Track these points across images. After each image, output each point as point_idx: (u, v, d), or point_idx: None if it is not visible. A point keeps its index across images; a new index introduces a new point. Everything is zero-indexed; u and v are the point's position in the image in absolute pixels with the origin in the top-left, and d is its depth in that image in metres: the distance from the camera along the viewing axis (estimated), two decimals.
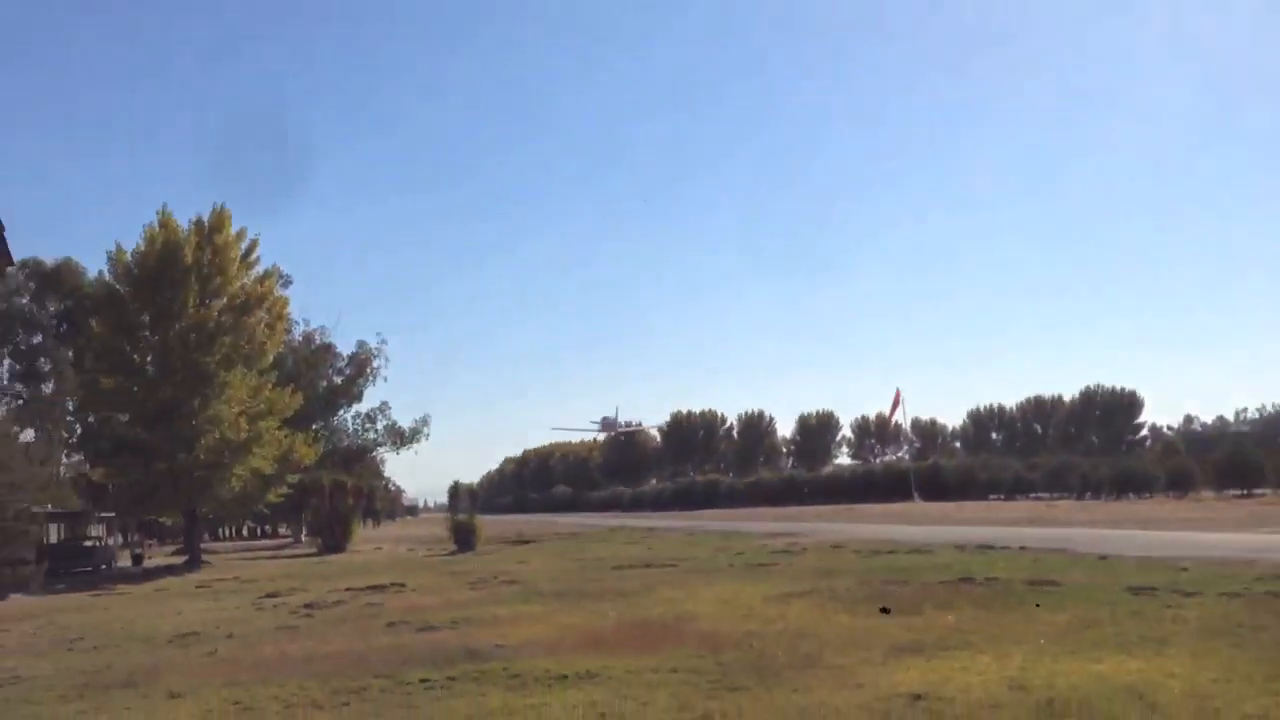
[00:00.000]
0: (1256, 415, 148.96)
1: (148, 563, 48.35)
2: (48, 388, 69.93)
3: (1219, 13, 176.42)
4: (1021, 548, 28.32)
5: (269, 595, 25.76)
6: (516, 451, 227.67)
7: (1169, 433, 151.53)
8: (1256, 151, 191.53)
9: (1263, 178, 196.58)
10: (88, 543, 46.67)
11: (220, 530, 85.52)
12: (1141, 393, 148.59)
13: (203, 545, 52.64)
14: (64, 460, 67.21)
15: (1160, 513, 51.82)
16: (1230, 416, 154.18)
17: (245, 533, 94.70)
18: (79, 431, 67.04)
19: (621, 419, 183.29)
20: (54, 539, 46.90)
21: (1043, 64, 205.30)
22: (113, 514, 53.27)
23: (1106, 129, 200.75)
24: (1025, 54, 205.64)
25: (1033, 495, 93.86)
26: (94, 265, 64.25)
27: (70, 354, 63.27)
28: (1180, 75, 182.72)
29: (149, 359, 46.39)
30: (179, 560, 48.43)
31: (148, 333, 46.27)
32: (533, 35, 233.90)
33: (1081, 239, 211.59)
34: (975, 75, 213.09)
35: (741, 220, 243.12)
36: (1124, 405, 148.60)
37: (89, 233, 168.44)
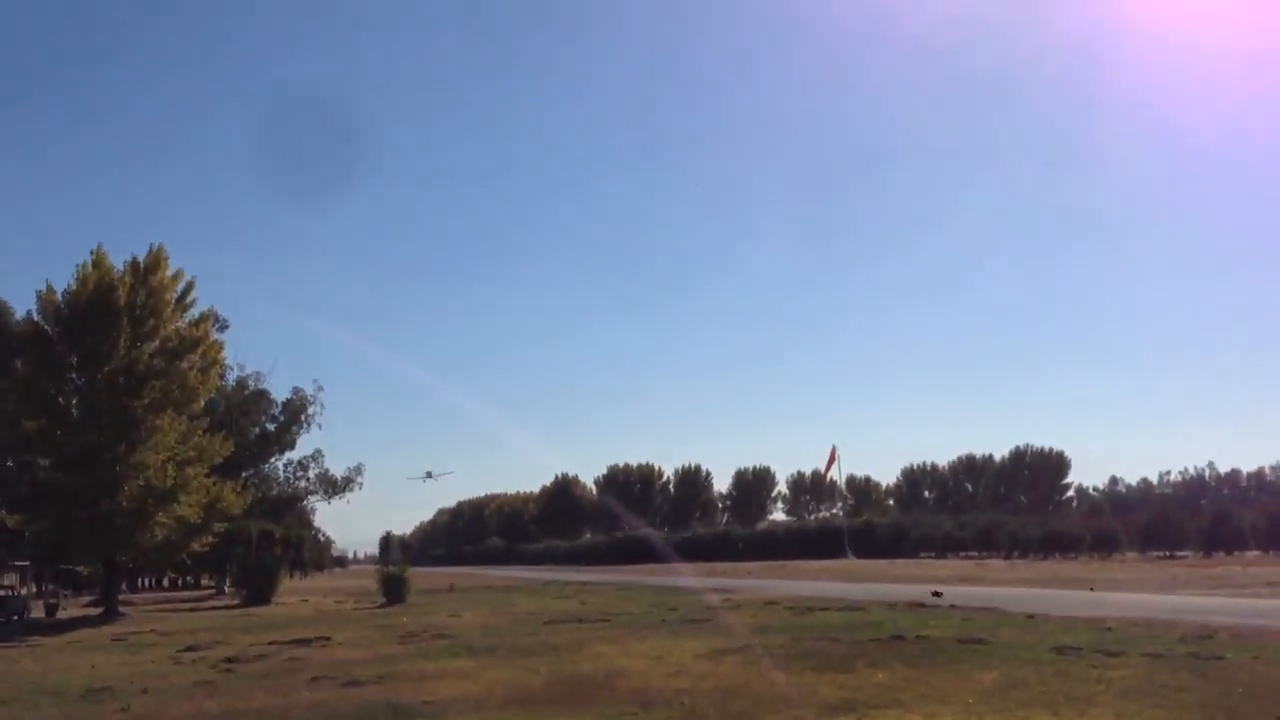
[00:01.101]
0: (1180, 478, 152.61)
1: (63, 614, 46.80)
2: None
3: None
4: (952, 606, 28.55)
5: (188, 649, 25.07)
6: (451, 502, 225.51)
7: (1095, 494, 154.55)
8: (1186, 217, 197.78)
9: (1194, 243, 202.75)
10: (0, 592, 45.15)
11: (140, 580, 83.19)
12: (1069, 453, 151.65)
13: (121, 596, 51.13)
14: None
15: (1086, 573, 52.61)
16: (1154, 479, 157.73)
17: (166, 583, 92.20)
18: None
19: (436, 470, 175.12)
20: None
21: (1005, 119, 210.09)
22: (28, 563, 51.66)
23: (1049, 191, 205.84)
24: (992, 113, 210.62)
25: (963, 553, 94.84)
26: (22, 305, 62.78)
27: None
28: (1126, 138, 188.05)
29: (74, 402, 45.22)
30: (96, 611, 46.96)
31: (75, 375, 45.17)
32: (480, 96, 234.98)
33: (1012, 302, 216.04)
34: (942, 135, 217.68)
35: (677, 276, 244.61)
36: (1052, 465, 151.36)
37: (16, 273, 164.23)
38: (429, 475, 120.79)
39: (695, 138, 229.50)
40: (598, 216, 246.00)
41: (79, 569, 56.25)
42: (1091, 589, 37.11)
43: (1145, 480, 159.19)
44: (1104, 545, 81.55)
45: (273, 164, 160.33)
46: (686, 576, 65.87)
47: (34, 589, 54.04)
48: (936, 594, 33.11)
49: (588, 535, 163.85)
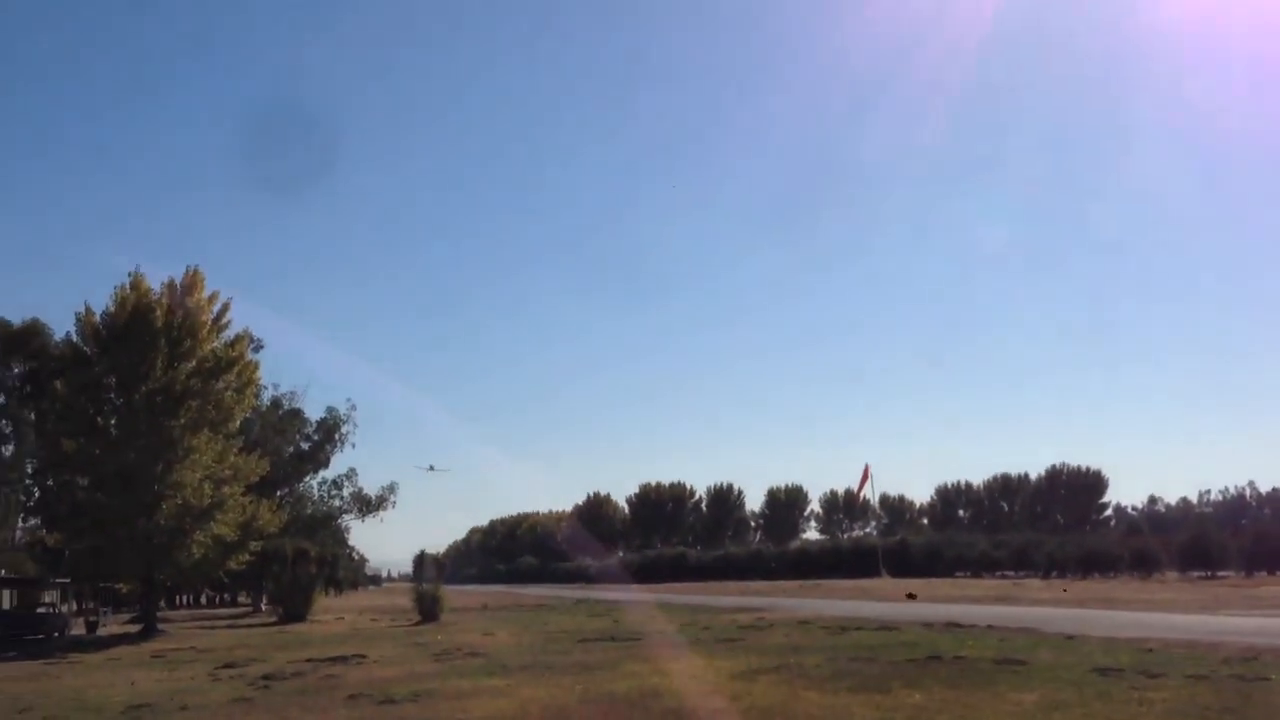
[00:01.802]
0: (1220, 497, 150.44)
1: (102, 631, 47.32)
2: (7, 450, 68.87)
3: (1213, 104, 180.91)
4: (989, 626, 28.27)
5: (226, 665, 25.26)
6: (484, 521, 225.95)
7: (1133, 513, 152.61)
8: (1227, 230, 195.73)
9: (1234, 258, 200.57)
10: (41, 610, 45.67)
11: (177, 598, 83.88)
12: (1106, 472, 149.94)
13: (160, 613, 51.60)
14: (20, 524, 66.08)
15: (1125, 593, 51.96)
16: (1194, 498, 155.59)
17: (203, 600, 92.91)
18: (37, 495, 65.95)
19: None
20: (6, 605, 45.95)
21: (1026, 140, 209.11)
22: (68, 580, 52.23)
23: (1083, 211, 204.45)
24: (1008, 132, 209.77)
25: (999, 573, 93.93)
26: (61, 326, 63.70)
27: (33, 416, 62.45)
28: (1169, 160, 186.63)
29: (113, 422, 45.77)
30: (134, 629, 47.40)
31: (113, 395, 45.78)
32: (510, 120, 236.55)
33: (1051, 318, 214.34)
34: (953, 155, 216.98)
35: (711, 296, 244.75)
36: (1089, 484, 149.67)
37: (55, 293, 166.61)
38: (431, 468, 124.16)
39: (713, 153, 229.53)
40: (625, 237, 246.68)
41: (118, 586, 56.83)
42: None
43: (1185, 500, 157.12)
44: (1143, 565, 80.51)
45: (262, 170, 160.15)
46: (719, 595, 65.62)
47: (74, 606, 54.68)
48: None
49: (620, 554, 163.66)
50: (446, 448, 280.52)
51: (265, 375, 60.74)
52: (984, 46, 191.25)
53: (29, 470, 67.08)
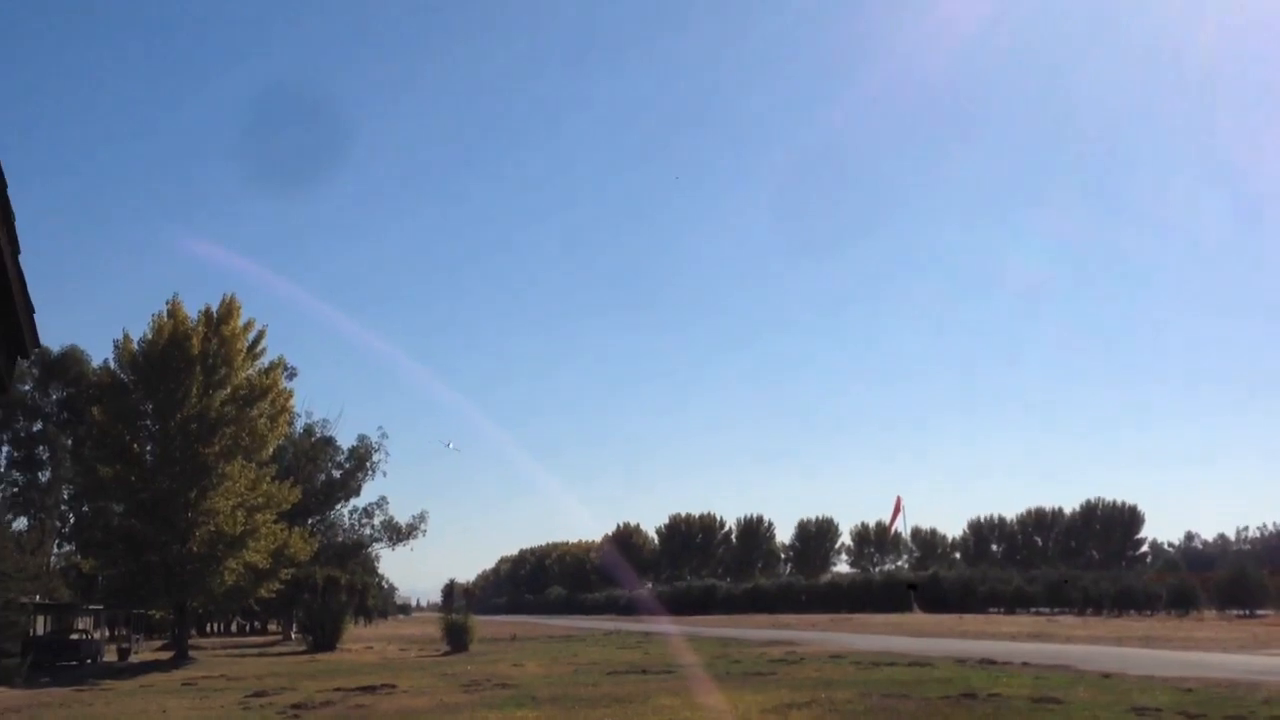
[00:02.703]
0: (1258, 534, 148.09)
1: (134, 658, 47.59)
2: (44, 476, 69.63)
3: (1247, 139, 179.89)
4: (1024, 664, 27.90)
5: (256, 694, 25.31)
6: (513, 551, 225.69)
7: (1170, 549, 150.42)
8: (1262, 268, 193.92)
9: (1272, 290, 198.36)
10: (74, 636, 45.99)
11: (208, 625, 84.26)
12: (1142, 508, 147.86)
13: (191, 641, 51.83)
14: (55, 550, 66.61)
15: (1162, 631, 51.13)
16: (1231, 535, 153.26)
17: (234, 628, 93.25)
18: (72, 521, 66.55)
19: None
20: (40, 631, 46.31)
21: (1061, 170, 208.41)
22: (101, 606, 52.59)
23: (1116, 243, 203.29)
24: (1048, 163, 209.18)
25: (1033, 609, 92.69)
26: (99, 353, 64.49)
27: (69, 442, 63.16)
28: (1200, 190, 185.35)
29: (149, 448, 46.23)
30: (166, 656, 47.64)
31: (149, 422, 46.24)
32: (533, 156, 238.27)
33: (1085, 350, 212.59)
34: (993, 187, 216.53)
35: (742, 322, 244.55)
36: (1124, 520, 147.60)
37: (92, 321, 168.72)
38: (449, 445, 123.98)
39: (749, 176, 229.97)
40: (655, 260, 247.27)
41: (151, 613, 57.18)
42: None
43: (1222, 536, 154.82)
44: (1180, 603, 79.24)
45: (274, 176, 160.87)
46: (749, 628, 65.17)
47: (107, 633, 55.07)
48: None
49: (649, 585, 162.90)
50: (475, 475, 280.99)
51: (298, 404, 61.27)
52: (1011, 64, 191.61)
53: (65, 496, 67.75)
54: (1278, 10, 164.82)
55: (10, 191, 5.40)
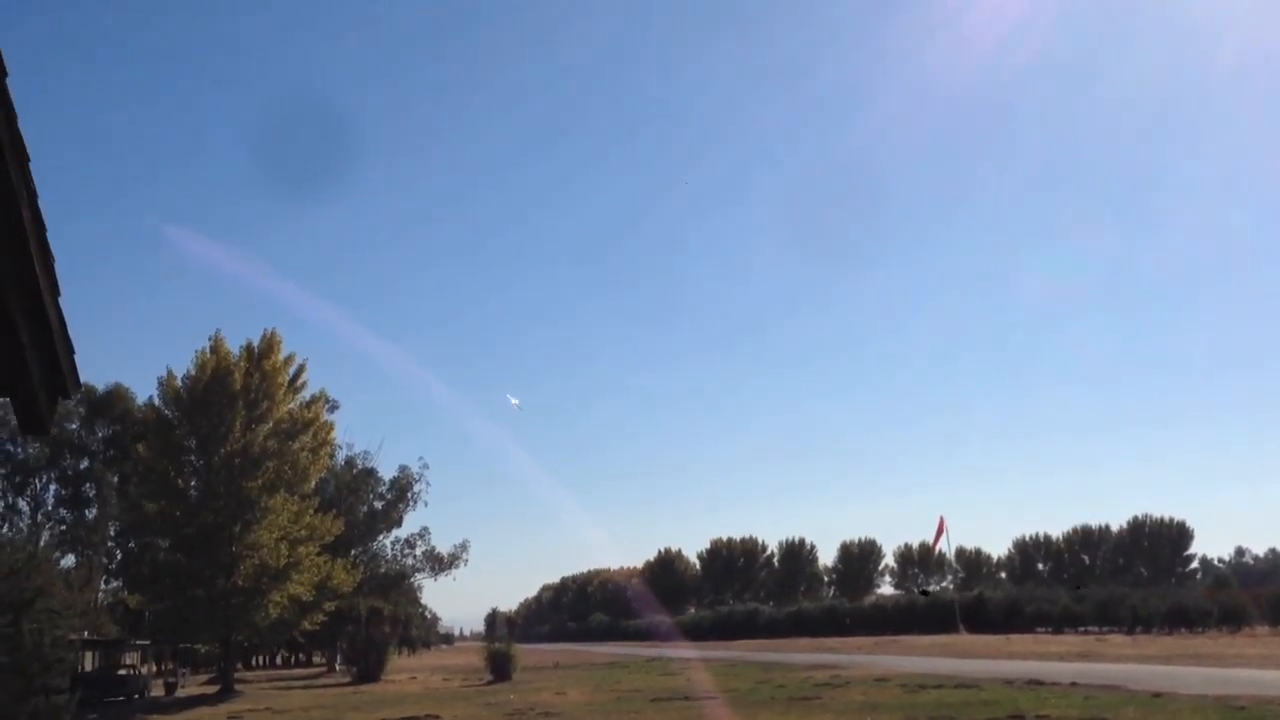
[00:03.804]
0: None
1: (181, 692, 47.98)
2: (91, 513, 70.60)
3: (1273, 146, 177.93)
4: (1073, 684, 27.53)
5: None
6: (555, 578, 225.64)
7: (1220, 565, 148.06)
8: None
9: None
10: (122, 671, 46.47)
11: (254, 658, 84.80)
12: (1191, 523, 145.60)
13: (236, 674, 52.20)
14: (102, 586, 67.45)
15: (1214, 649, 50.23)
16: None
17: (279, 661, 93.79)
18: (119, 557, 67.35)
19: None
20: (89, 667, 46.79)
21: (1091, 189, 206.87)
22: (148, 641, 53.10)
23: (1163, 254, 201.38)
24: (1079, 180, 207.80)
25: (1081, 628, 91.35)
26: (144, 391, 65.53)
27: (116, 479, 64.04)
28: (1234, 199, 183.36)
29: (193, 484, 46.82)
30: (212, 689, 47.99)
31: (193, 457, 46.85)
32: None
33: (1129, 366, 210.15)
34: (1026, 204, 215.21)
35: (786, 341, 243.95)
36: (1173, 536, 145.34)
37: (138, 359, 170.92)
38: (514, 403, 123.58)
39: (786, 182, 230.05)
40: (684, 281, 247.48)
41: (197, 647, 57.70)
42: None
43: (1273, 550, 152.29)
44: (1232, 619, 77.83)
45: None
46: (793, 652, 64.70)
47: (154, 668, 55.62)
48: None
49: (691, 610, 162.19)
50: (516, 503, 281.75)
51: (339, 435, 61.76)
52: (1037, 81, 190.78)
53: (112, 533, 68.63)
54: None
55: (50, 235, 5.57)
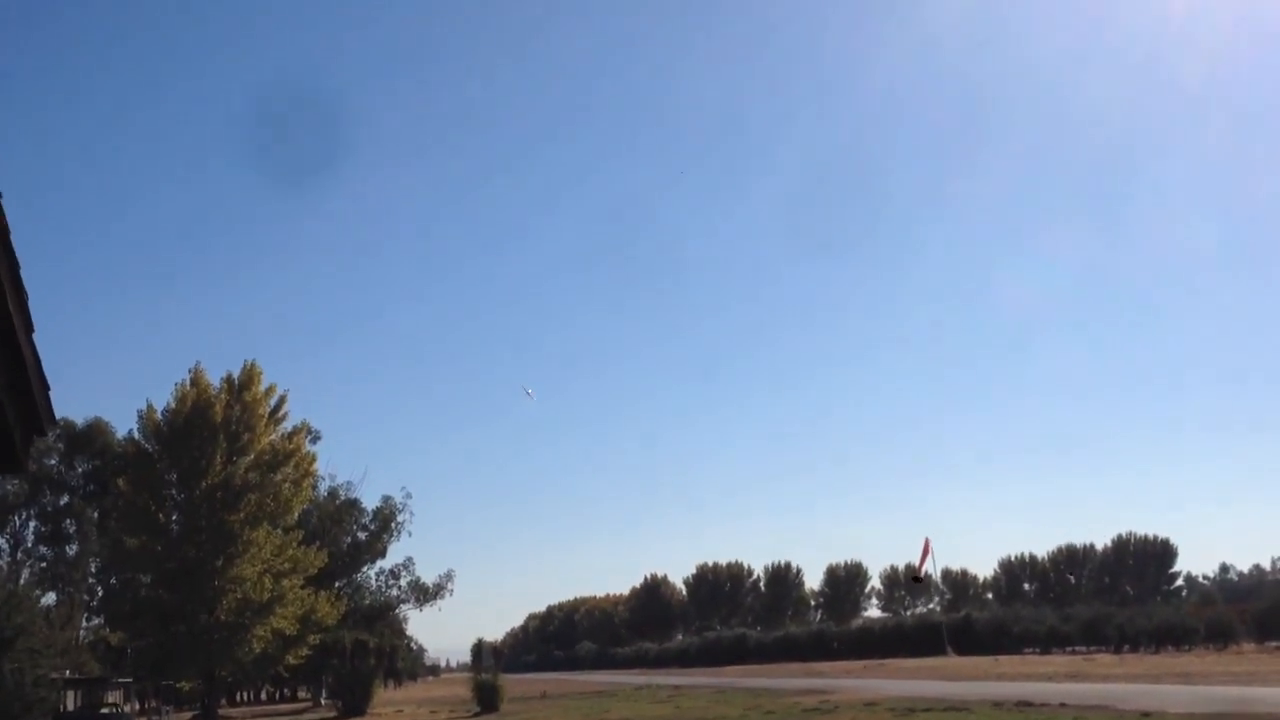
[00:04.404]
0: None
1: None
2: (71, 550, 69.91)
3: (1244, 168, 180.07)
4: (1062, 704, 27.47)
5: None
6: (541, 607, 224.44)
7: (1205, 582, 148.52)
8: None
9: None
10: (105, 710, 45.94)
11: (238, 694, 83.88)
12: (1175, 541, 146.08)
13: (221, 710, 51.61)
14: (84, 624, 66.70)
15: (1201, 666, 50.25)
16: (1267, 565, 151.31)
17: (263, 696, 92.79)
18: (100, 594, 66.66)
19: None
20: (71, 706, 46.26)
21: (1068, 194, 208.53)
22: (130, 679, 52.47)
23: (1141, 266, 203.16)
24: (1054, 187, 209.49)
25: (1069, 648, 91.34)
26: (124, 425, 65.08)
27: (96, 515, 63.50)
28: (1208, 223, 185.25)
29: (174, 518, 46.44)
30: None
31: (174, 491, 46.49)
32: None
33: (1108, 382, 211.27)
34: (1000, 215, 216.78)
35: (767, 364, 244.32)
36: (1157, 554, 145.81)
37: (119, 392, 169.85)
38: (528, 392, 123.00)
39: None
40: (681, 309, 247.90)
41: (180, 684, 57.06)
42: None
43: (1258, 567, 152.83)
44: (1218, 636, 77.90)
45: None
46: (781, 678, 64.41)
47: (137, 705, 54.95)
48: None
49: (679, 636, 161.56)
50: (500, 531, 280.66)
51: (321, 466, 61.37)
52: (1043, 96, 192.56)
53: (93, 569, 67.99)
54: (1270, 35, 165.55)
55: (24, 270, 5.50)
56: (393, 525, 73.16)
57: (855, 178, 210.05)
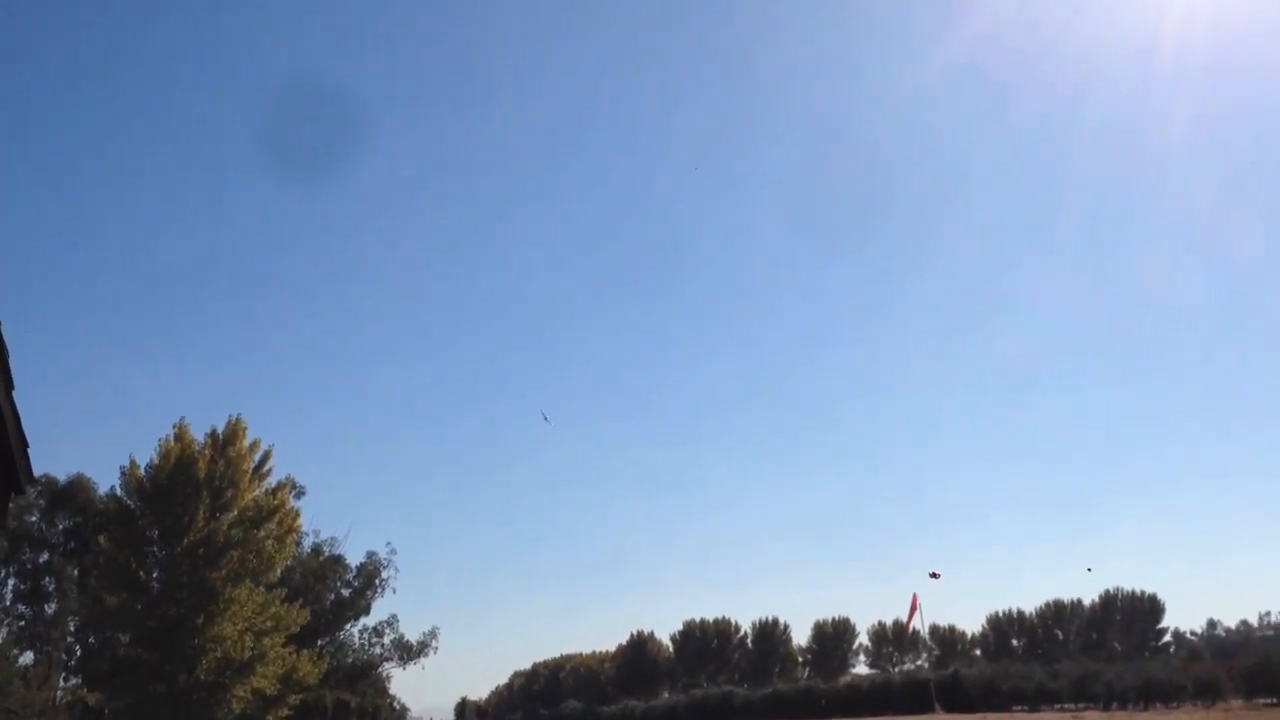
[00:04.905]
0: None
1: None
2: (51, 608, 69.00)
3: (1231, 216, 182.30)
4: None
5: None
6: (527, 664, 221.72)
7: (1193, 638, 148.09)
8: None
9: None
10: None
11: None
12: (1162, 596, 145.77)
13: None
14: (61, 684, 65.65)
15: None
16: (1254, 620, 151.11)
17: None
18: (79, 653, 65.74)
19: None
20: None
21: (1053, 244, 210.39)
22: None
23: (1123, 330, 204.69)
24: (1047, 254, 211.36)
25: (1058, 705, 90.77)
26: (106, 481, 64.61)
27: (76, 572, 62.83)
28: (1192, 277, 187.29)
29: (155, 575, 45.89)
30: None
31: (156, 548, 45.99)
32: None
33: (1095, 439, 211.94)
34: (985, 260, 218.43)
35: (752, 422, 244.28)
36: (1145, 609, 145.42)
37: (101, 448, 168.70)
38: (545, 419, 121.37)
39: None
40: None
41: None
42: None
43: (1244, 623, 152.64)
44: (1206, 692, 77.52)
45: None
46: None
47: None
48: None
49: (665, 694, 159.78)
50: (486, 588, 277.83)
51: (305, 522, 60.93)
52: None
53: (71, 628, 67.08)
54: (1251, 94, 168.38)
55: (5, 329, 5.56)
56: (377, 581, 72.57)
57: (854, 200, 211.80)
